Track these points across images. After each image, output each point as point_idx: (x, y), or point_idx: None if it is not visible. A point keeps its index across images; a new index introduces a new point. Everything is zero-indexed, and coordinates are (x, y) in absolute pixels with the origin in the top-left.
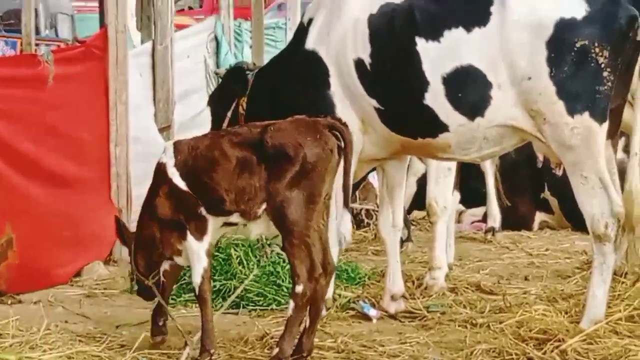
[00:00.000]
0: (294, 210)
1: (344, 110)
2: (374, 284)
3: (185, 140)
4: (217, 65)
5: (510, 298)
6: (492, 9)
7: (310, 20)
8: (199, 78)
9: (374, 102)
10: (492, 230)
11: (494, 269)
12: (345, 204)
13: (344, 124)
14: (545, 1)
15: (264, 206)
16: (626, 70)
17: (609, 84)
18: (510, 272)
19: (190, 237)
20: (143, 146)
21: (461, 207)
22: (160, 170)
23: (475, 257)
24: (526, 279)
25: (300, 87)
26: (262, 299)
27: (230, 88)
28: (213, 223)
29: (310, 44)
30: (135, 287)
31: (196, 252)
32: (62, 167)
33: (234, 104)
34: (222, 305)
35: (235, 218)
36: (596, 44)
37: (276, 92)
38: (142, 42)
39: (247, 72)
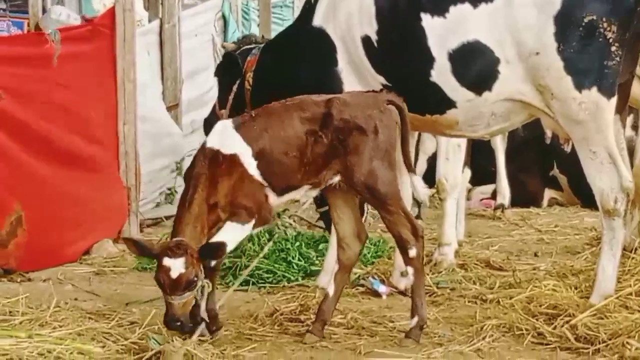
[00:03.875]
0: (383, 181)
1: (351, 87)
2: (384, 260)
3: (251, 127)
4: None
5: (520, 274)
6: None
7: None
8: (207, 56)
9: (381, 79)
10: (501, 207)
11: (503, 246)
12: (410, 169)
13: (400, 98)
14: None
15: (337, 177)
16: (634, 45)
17: (617, 58)
18: (519, 249)
19: (248, 226)
20: (151, 125)
21: (469, 185)
22: (229, 161)
23: (484, 233)
24: (535, 255)
25: (308, 64)
26: (271, 275)
27: (233, 67)
28: (278, 205)
29: (317, 21)
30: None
31: (240, 238)
32: (71, 145)
33: (239, 80)
34: (233, 283)
35: (303, 191)
36: (604, 19)
37: (283, 69)
38: (150, 20)
39: (255, 45)
